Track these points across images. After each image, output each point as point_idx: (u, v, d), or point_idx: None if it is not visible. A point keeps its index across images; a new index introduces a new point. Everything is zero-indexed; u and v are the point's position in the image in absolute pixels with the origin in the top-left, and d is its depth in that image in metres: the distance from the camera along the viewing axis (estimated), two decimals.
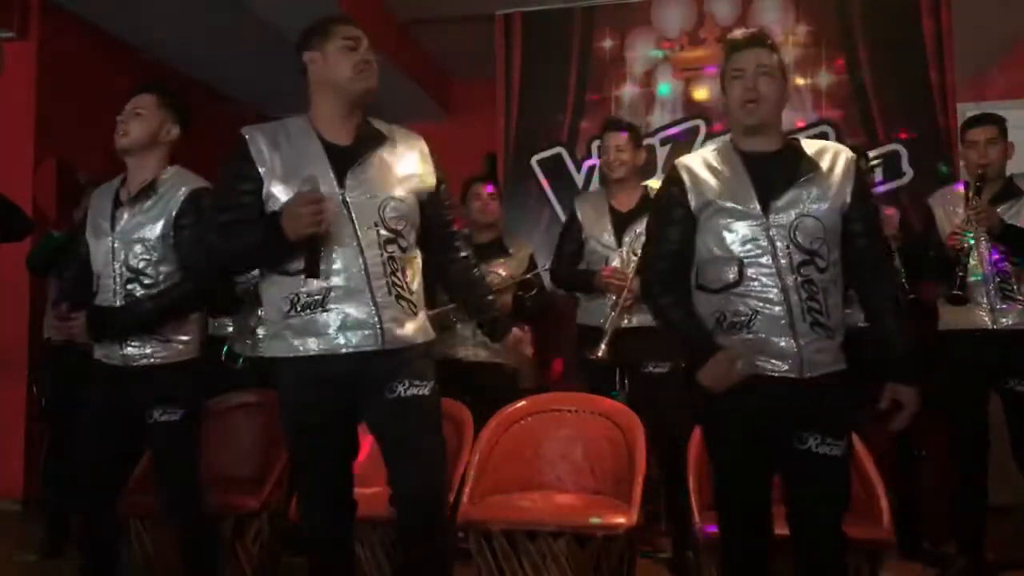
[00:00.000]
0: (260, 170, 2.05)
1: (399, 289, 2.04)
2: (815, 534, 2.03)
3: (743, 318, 1.99)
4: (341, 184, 2.04)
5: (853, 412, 2.10)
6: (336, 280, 2.00)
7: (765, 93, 2.00)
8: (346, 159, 2.05)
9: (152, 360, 2.49)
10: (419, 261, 2.16)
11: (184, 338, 2.54)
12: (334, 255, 2.00)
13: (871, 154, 4.07)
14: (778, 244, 1.97)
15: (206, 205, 2.45)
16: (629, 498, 2.64)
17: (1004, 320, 3.07)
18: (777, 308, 1.97)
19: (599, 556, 2.57)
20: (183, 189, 2.51)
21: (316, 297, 2.00)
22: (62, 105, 4.85)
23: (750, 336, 1.99)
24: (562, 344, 4.27)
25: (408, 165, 2.14)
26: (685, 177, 2.07)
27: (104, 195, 2.61)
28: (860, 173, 2.07)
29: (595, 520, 2.59)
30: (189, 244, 2.46)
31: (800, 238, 1.97)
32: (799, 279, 1.97)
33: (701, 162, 2.09)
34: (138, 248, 2.48)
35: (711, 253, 2.03)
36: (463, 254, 2.26)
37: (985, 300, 3.09)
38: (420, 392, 2.04)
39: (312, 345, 2.01)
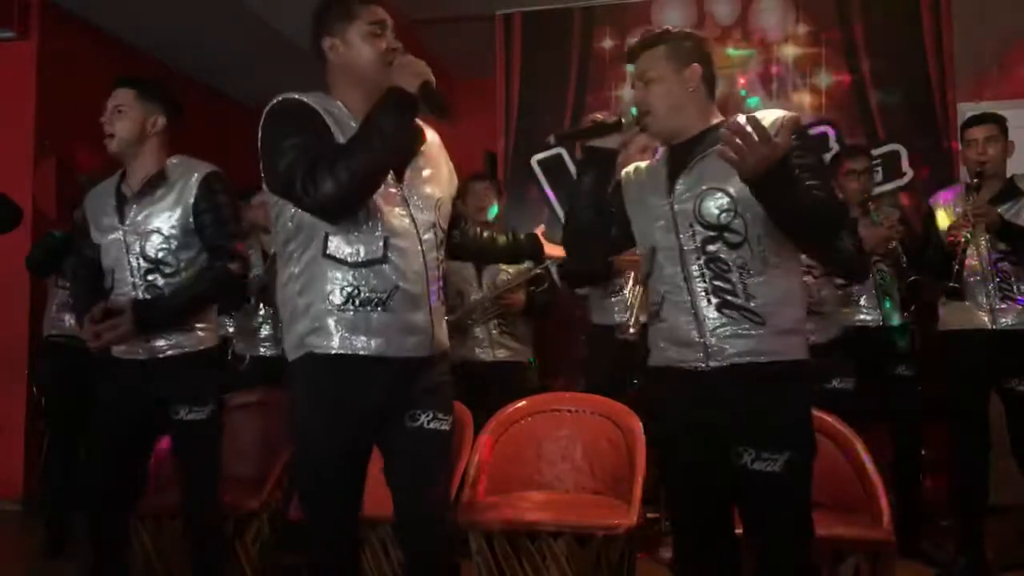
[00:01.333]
0: (332, 130, 1.88)
1: (441, 292, 2.00)
2: (767, 560, 1.86)
3: (656, 306, 1.93)
4: (400, 179, 1.92)
5: (799, 418, 1.84)
6: (400, 281, 1.87)
7: (651, 103, 1.91)
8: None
9: (178, 350, 2.48)
10: None
11: (206, 325, 2.55)
12: (397, 255, 1.87)
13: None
14: (680, 223, 1.86)
15: (220, 188, 2.49)
16: (629, 498, 2.64)
17: (1004, 320, 3.07)
18: (680, 292, 1.86)
19: (599, 556, 2.57)
20: (195, 175, 2.51)
21: (380, 295, 1.85)
22: (62, 105, 4.85)
23: (661, 324, 1.91)
24: (568, 344, 4.28)
25: (443, 161, 2.06)
26: (622, 179, 2.08)
27: (102, 193, 2.59)
28: (793, 131, 1.75)
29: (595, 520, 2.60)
30: (212, 227, 2.47)
31: (705, 213, 1.83)
32: (704, 258, 1.83)
33: (634, 166, 2.08)
34: (155, 239, 2.47)
35: (640, 242, 2.00)
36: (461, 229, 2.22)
37: (984, 300, 3.09)
38: (442, 427, 1.96)
39: (371, 345, 1.86)
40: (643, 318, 3.10)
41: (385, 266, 1.86)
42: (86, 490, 2.56)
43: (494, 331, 3.55)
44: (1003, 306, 3.07)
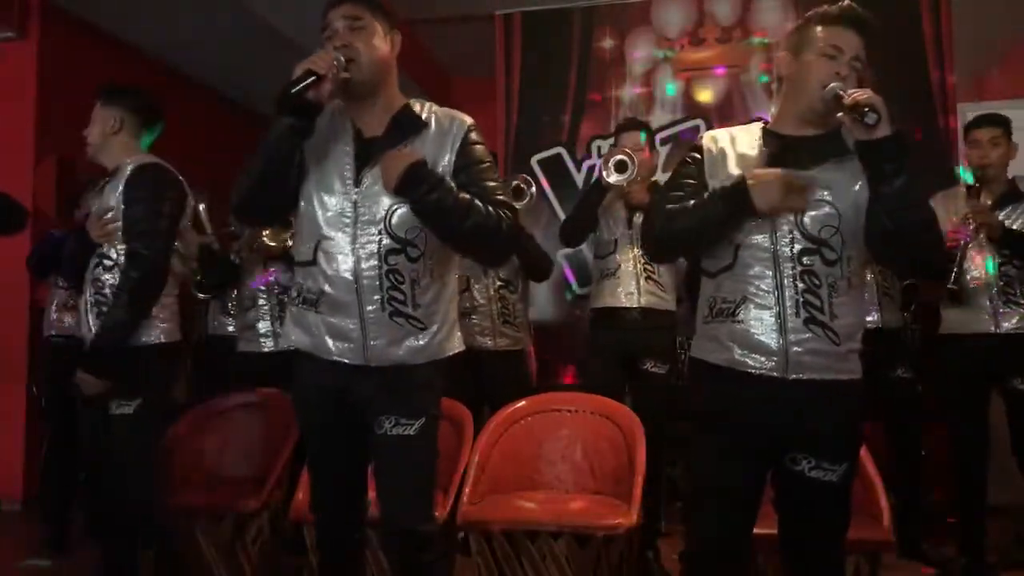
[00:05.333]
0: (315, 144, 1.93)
1: (397, 304, 1.89)
2: (806, 563, 1.90)
3: (730, 305, 1.83)
4: (357, 183, 1.89)
5: (856, 432, 1.89)
6: (327, 286, 1.89)
7: (850, 81, 1.78)
8: (369, 154, 1.89)
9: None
10: (444, 269, 1.97)
11: (160, 318, 2.49)
12: (325, 259, 1.89)
13: None
14: (781, 227, 1.79)
15: (151, 178, 2.48)
16: (629, 498, 2.64)
17: (1007, 324, 3.07)
18: (767, 297, 1.79)
19: (599, 556, 2.57)
20: (131, 166, 2.51)
21: (311, 295, 1.93)
22: (62, 105, 4.85)
23: (736, 325, 1.82)
24: (567, 342, 4.29)
25: (436, 160, 1.91)
26: (706, 149, 1.92)
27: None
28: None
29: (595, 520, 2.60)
30: (143, 219, 2.44)
31: (808, 223, 1.78)
32: (799, 269, 1.78)
33: (728, 137, 1.92)
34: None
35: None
36: None
37: (988, 304, 3.09)
38: (405, 432, 1.92)
39: (304, 340, 1.96)
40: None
41: (314, 268, 1.92)
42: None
43: (497, 319, 3.58)
44: (1006, 310, 3.07)
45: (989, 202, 3.10)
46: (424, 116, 1.95)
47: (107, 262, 2.47)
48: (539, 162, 4.73)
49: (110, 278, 2.46)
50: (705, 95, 4.63)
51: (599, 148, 4.62)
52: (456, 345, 2.03)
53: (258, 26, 4.83)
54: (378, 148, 1.88)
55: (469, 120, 1.99)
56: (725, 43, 4.59)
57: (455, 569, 2.89)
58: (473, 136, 1.97)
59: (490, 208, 1.87)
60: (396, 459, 1.95)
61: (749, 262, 1.82)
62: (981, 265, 3.09)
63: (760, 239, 1.81)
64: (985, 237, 3.05)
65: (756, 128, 1.92)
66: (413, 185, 1.81)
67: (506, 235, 1.90)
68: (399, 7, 5.42)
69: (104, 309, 2.44)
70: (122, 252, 2.46)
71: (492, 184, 1.93)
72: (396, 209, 1.87)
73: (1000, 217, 3.08)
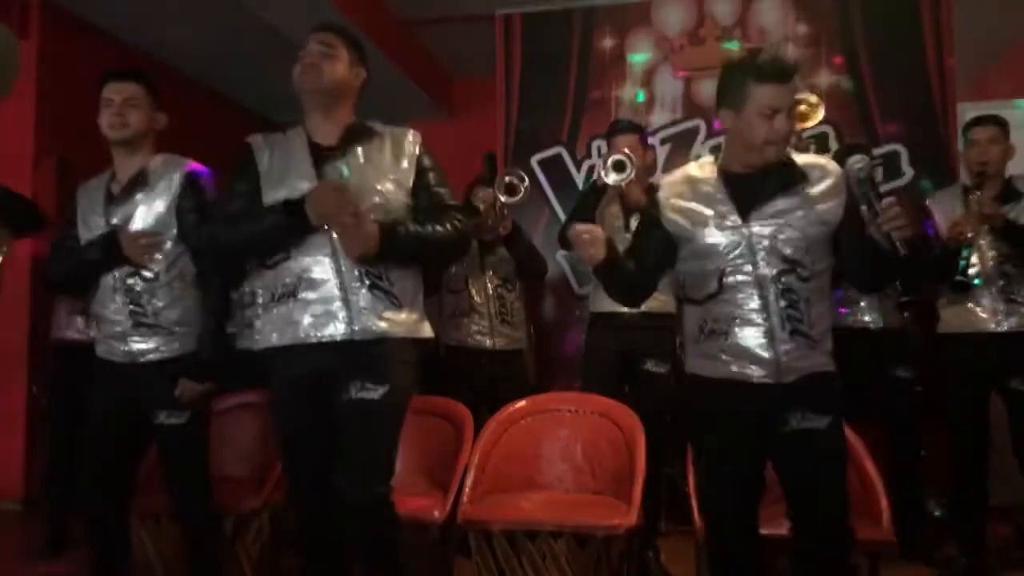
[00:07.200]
0: (259, 169, 2.13)
1: (374, 278, 2.06)
2: (814, 524, 2.03)
3: (723, 325, 2.03)
4: (319, 179, 2.10)
5: (838, 396, 2.07)
6: (305, 272, 2.05)
7: (787, 134, 2.00)
8: (328, 156, 2.12)
9: (159, 355, 2.45)
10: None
11: (187, 328, 2.49)
12: (303, 248, 2.05)
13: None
14: (759, 253, 1.99)
15: (203, 186, 2.48)
16: (629, 498, 2.64)
17: (1007, 323, 3.07)
18: (757, 316, 1.99)
19: (599, 556, 2.58)
20: (177, 173, 2.48)
21: (288, 288, 2.06)
22: (62, 105, 4.85)
23: (729, 342, 2.02)
24: (567, 343, 4.29)
25: (396, 159, 2.17)
26: (662, 197, 2.13)
27: (93, 189, 2.57)
28: (850, 187, 2.03)
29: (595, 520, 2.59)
30: (195, 228, 2.43)
31: (781, 247, 1.99)
32: (780, 287, 1.99)
33: (683, 178, 2.13)
34: None
35: (695, 266, 2.08)
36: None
37: (988, 303, 3.09)
38: (369, 396, 2.02)
39: (284, 333, 2.07)
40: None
41: (289, 262, 2.07)
42: (83, 491, 2.56)
43: (495, 318, 3.58)
44: (1006, 309, 3.07)
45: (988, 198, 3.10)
46: (376, 129, 2.19)
47: (147, 274, 2.45)
48: (539, 162, 4.73)
49: (158, 291, 2.45)
50: (705, 95, 4.62)
51: (599, 148, 4.62)
52: (428, 331, 2.17)
53: (258, 26, 4.82)
54: (335, 155, 2.12)
55: (419, 133, 2.23)
56: (725, 43, 4.59)
57: (455, 569, 2.90)
58: (424, 148, 2.21)
59: (445, 223, 2.12)
60: (356, 422, 2.03)
61: (735, 287, 2.01)
62: (979, 263, 3.09)
63: (742, 264, 2.01)
64: (988, 230, 3.04)
65: (709, 166, 2.12)
66: (386, 255, 2.06)
67: (460, 242, 2.20)
68: (400, 8, 5.44)
69: (145, 321, 2.44)
70: (164, 263, 2.45)
71: (444, 191, 2.19)
72: (362, 192, 2.08)
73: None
